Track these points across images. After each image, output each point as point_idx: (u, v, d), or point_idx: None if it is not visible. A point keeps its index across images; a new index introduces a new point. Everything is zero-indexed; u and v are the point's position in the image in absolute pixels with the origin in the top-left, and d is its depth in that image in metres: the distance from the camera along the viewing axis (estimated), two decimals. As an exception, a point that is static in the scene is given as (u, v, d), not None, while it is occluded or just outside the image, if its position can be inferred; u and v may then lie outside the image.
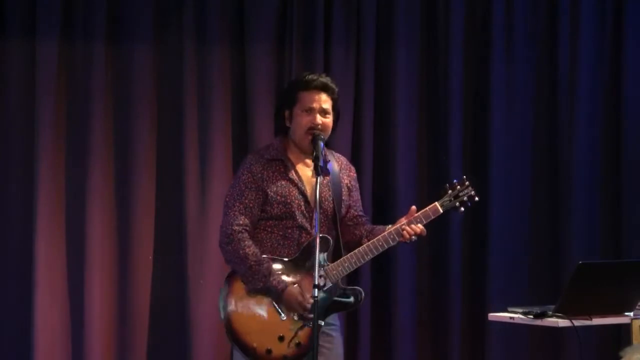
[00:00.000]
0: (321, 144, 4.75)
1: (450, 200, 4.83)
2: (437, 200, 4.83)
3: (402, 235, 4.76)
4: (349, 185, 4.94)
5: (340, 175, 4.90)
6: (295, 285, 4.70)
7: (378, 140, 6.42)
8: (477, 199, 4.86)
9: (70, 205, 6.01)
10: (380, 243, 4.76)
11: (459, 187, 4.84)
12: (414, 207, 4.81)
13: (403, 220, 4.79)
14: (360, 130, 6.37)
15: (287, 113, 4.84)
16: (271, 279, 4.68)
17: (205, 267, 6.08)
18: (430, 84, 6.54)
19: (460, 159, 6.49)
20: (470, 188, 4.85)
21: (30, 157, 5.94)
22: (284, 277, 4.72)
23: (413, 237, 4.77)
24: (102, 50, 6.00)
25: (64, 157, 6.01)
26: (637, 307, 5.15)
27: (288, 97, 4.85)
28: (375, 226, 4.93)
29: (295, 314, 4.70)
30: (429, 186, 6.42)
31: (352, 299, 4.81)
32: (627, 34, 6.66)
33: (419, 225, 4.77)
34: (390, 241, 4.76)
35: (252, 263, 4.68)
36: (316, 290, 4.44)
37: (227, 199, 4.79)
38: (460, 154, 6.49)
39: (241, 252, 4.69)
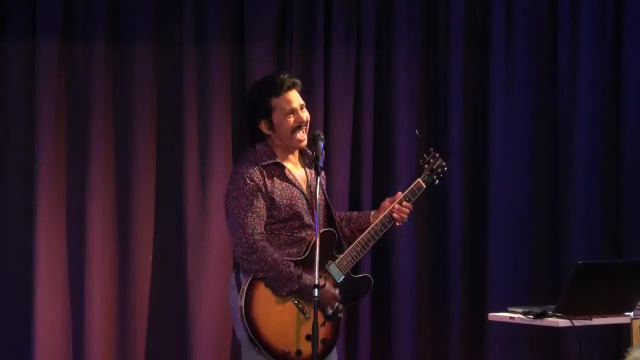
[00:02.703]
0: (321, 144, 4.76)
1: (429, 174, 4.95)
2: (418, 177, 4.94)
3: (395, 218, 4.85)
4: (321, 175, 4.98)
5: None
6: (326, 281, 4.76)
7: (378, 140, 6.42)
8: (446, 168, 4.97)
9: (71, 205, 6.01)
10: (379, 228, 4.86)
11: (431, 160, 4.97)
12: (399, 192, 4.91)
13: (387, 203, 4.89)
14: (360, 130, 6.37)
15: (264, 123, 4.80)
16: (304, 278, 4.71)
17: (205, 267, 6.08)
18: (430, 84, 6.54)
19: (460, 159, 6.49)
20: (439, 159, 4.97)
21: (30, 157, 5.94)
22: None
23: (405, 217, 4.87)
24: (102, 50, 6.00)
25: (64, 157, 6.01)
26: (637, 307, 5.15)
27: (262, 107, 4.80)
28: (351, 213, 5.04)
29: (329, 307, 4.74)
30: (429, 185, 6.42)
31: (363, 287, 4.90)
32: (627, 34, 6.66)
33: (408, 202, 4.88)
34: (387, 223, 4.86)
35: (283, 267, 4.69)
36: (316, 290, 4.49)
37: (237, 212, 4.74)
38: (460, 154, 6.48)
39: (269, 258, 4.69)
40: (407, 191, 4.90)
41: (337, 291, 4.78)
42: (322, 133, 4.85)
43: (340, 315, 4.80)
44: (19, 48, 5.96)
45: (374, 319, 6.37)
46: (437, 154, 4.96)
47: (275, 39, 6.25)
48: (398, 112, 6.43)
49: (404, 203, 4.87)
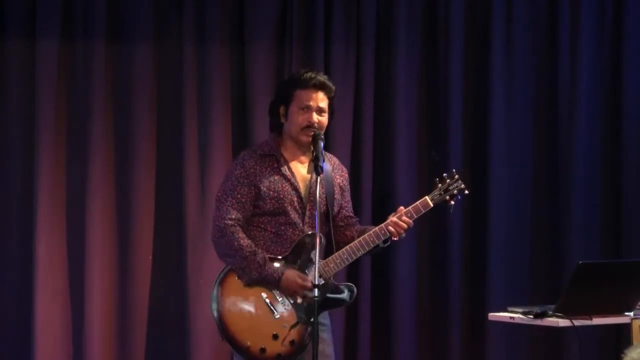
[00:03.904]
0: (321, 143, 4.76)
1: (441, 194, 4.86)
2: (427, 194, 4.86)
3: (390, 231, 4.76)
4: (341, 185, 4.96)
5: (333, 174, 4.91)
6: (290, 270, 4.70)
7: (378, 140, 6.42)
8: (467, 192, 4.89)
9: (71, 205, 6.01)
10: (372, 238, 4.77)
11: (448, 180, 4.88)
12: (401, 207, 4.83)
13: (392, 218, 4.82)
14: (360, 130, 6.37)
15: (282, 109, 4.84)
16: (266, 267, 4.69)
17: (205, 267, 6.08)
18: (430, 84, 6.54)
19: (460, 159, 6.49)
20: (460, 182, 4.88)
21: (30, 157, 5.94)
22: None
23: (402, 232, 4.79)
24: (102, 50, 6.01)
25: (64, 157, 6.01)
26: (637, 307, 5.14)
27: (284, 93, 4.85)
28: (367, 227, 4.94)
29: (298, 298, 4.70)
30: (429, 186, 6.41)
31: (345, 295, 4.81)
32: (627, 34, 6.66)
33: (408, 219, 4.78)
34: (381, 236, 4.77)
35: (247, 253, 4.69)
36: (316, 290, 4.47)
37: (219, 194, 4.81)
38: (460, 154, 6.48)
39: (235, 243, 4.70)
40: (410, 207, 4.81)
41: (306, 280, 4.68)
42: (322, 133, 4.84)
43: (316, 298, 4.63)
44: (19, 48, 5.96)
45: (374, 320, 6.36)
46: (457, 176, 4.88)
47: (275, 39, 6.25)
48: (398, 112, 6.43)
49: (404, 218, 4.78)
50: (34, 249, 5.90)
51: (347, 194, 5.01)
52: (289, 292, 4.70)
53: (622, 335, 5.74)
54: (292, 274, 4.69)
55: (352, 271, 6.10)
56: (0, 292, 5.97)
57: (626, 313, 5.11)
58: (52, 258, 5.95)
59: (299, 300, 4.70)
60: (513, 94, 6.59)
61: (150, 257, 6.09)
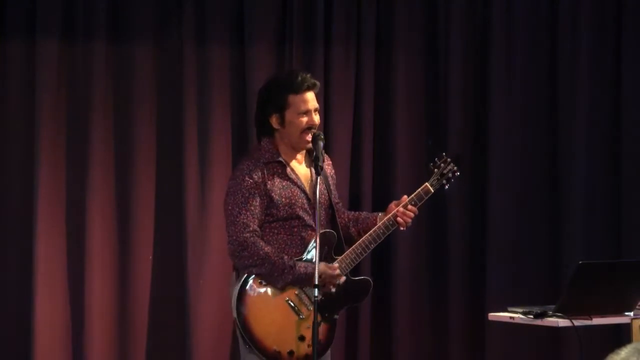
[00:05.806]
0: (321, 144, 4.76)
1: (438, 179, 4.93)
2: (426, 181, 4.93)
3: (398, 222, 4.83)
4: (330, 174, 5.00)
5: (325, 167, 4.93)
6: (320, 263, 4.70)
7: (378, 140, 6.42)
8: (458, 173, 4.97)
9: (70, 205, 6.01)
10: (382, 231, 4.83)
11: (442, 165, 4.95)
12: (405, 195, 4.88)
13: (394, 206, 4.86)
14: (360, 130, 6.37)
15: (275, 117, 4.80)
16: (297, 267, 4.70)
17: (205, 267, 6.08)
18: (430, 84, 6.54)
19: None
20: (452, 164, 4.96)
21: (30, 157, 5.94)
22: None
23: (409, 221, 4.85)
24: (102, 50, 6.00)
25: (64, 157, 6.01)
26: (637, 307, 5.14)
27: (277, 102, 4.79)
28: (359, 214, 5.02)
29: (332, 288, 4.74)
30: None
31: (362, 289, 4.87)
32: (628, 35, 6.65)
33: (413, 207, 4.86)
34: (390, 227, 4.84)
35: (276, 259, 4.69)
36: (316, 290, 4.49)
37: (231, 208, 4.76)
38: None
39: (261, 252, 4.69)
40: (413, 195, 4.87)
41: (335, 269, 4.74)
42: (322, 133, 4.86)
43: (336, 317, 4.78)
44: (19, 48, 5.96)
45: (374, 319, 6.37)
46: (448, 159, 4.94)
47: (275, 39, 6.25)
48: (398, 112, 6.43)
49: (409, 207, 4.84)
50: (34, 249, 5.89)
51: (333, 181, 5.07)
52: (323, 284, 4.69)
53: (622, 335, 5.74)
54: (322, 266, 4.69)
55: (352, 271, 6.09)
56: (0, 292, 5.96)
57: (626, 313, 5.11)
58: (52, 258, 5.94)
59: (332, 290, 4.73)
60: (513, 94, 6.59)
61: (150, 257, 6.08)
